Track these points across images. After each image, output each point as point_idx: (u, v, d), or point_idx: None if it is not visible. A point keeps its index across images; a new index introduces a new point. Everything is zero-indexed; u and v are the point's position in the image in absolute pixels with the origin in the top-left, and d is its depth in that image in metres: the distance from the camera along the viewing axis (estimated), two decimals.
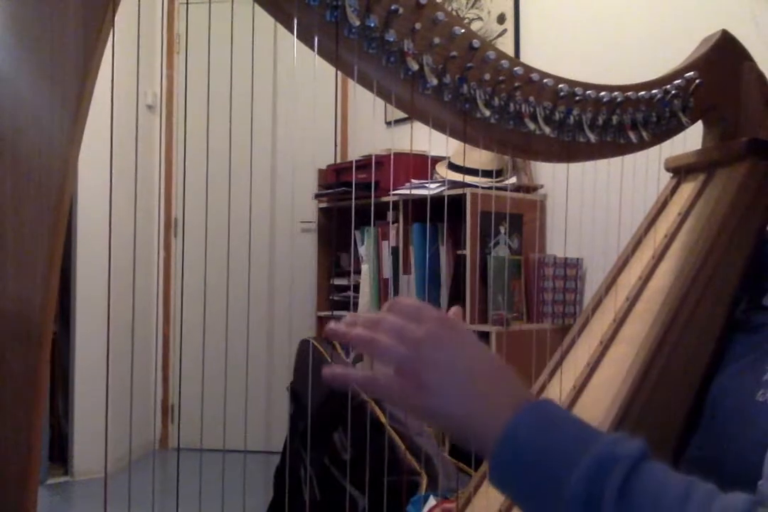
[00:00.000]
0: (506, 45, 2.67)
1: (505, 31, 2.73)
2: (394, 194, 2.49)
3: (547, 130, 0.75)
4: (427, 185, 2.39)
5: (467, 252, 2.26)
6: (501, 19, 2.75)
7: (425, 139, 0.83)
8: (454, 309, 0.58)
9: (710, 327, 0.76)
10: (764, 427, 0.57)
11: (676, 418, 0.70)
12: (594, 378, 0.80)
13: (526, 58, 2.64)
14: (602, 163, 0.87)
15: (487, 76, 0.71)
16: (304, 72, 0.83)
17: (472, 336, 0.53)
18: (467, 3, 2.89)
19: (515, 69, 0.72)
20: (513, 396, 0.49)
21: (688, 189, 0.92)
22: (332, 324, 0.52)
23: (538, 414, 0.48)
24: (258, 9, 0.62)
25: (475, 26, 2.80)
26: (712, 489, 0.45)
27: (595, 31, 2.40)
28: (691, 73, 0.83)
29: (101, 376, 2.83)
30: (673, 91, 0.82)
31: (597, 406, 0.74)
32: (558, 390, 0.81)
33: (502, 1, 2.74)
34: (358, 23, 0.63)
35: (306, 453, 1.82)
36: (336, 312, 2.91)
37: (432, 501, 1.25)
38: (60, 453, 3.08)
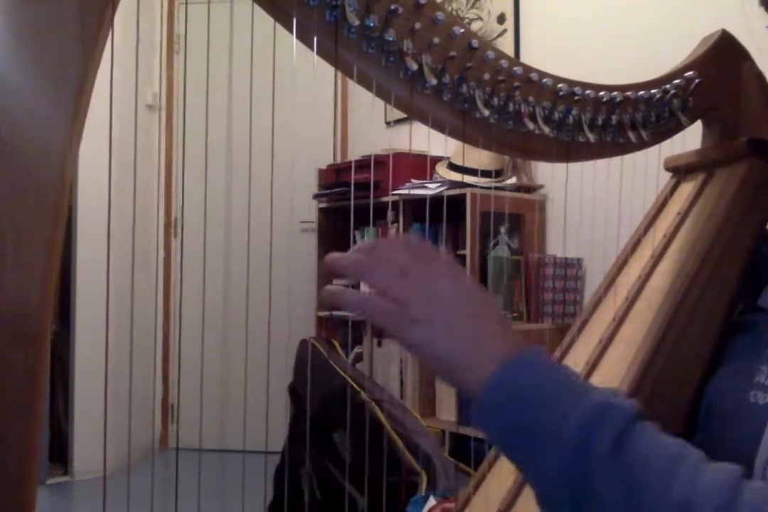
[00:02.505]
0: (506, 45, 2.68)
1: (505, 31, 2.73)
2: (393, 194, 2.49)
3: (546, 129, 0.75)
4: (426, 185, 2.40)
5: (467, 252, 2.26)
6: (501, 19, 2.75)
7: (425, 139, 0.83)
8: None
9: (709, 327, 0.76)
10: (756, 428, 0.57)
11: (675, 418, 0.70)
12: (593, 377, 0.80)
13: (526, 58, 2.64)
14: (602, 163, 0.87)
15: (487, 76, 0.71)
16: (303, 72, 0.83)
17: (467, 278, 0.52)
18: (467, 3, 2.89)
19: (514, 69, 0.72)
20: (505, 343, 0.48)
21: (687, 188, 0.92)
22: (334, 254, 0.50)
23: (530, 362, 0.47)
24: (257, 9, 0.62)
25: (475, 26, 2.80)
26: (702, 455, 0.44)
27: (595, 31, 2.40)
28: (691, 73, 0.83)
29: (101, 376, 2.83)
30: (672, 91, 0.82)
31: None
32: None
33: (502, 1, 2.74)
34: (357, 23, 0.63)
35: (306, 453, 1.82)
36: (336, 313, 2.91)
37: (432, 501, 1.25)
38: (60, 453, 3.08)
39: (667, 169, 0.96)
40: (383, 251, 0.50)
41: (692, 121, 0.86)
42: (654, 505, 0.41)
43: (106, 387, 0.69)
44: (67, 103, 0.53)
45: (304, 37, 0.63)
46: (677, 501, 0.41)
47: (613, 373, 0.76)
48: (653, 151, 0.87)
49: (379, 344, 2.71)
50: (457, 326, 0.48)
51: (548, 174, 2.47)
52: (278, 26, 0.63)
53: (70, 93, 0.53)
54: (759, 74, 0.87)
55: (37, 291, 0.52)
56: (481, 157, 2.40)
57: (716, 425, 0.65)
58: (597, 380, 0.79)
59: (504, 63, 0.71)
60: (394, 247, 0.51)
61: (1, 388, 0.51)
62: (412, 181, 2.49)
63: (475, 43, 0.69)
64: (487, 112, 0.72)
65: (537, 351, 0.48)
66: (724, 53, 0.86)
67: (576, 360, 0.84)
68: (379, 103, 0.71)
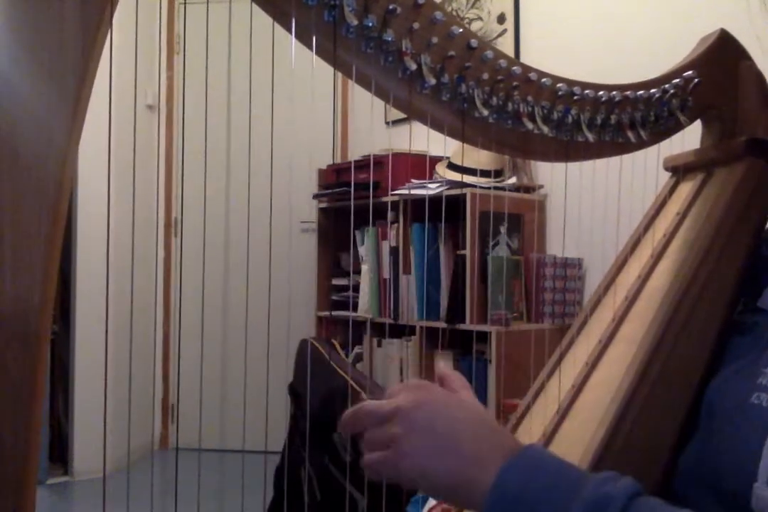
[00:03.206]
0: (506, 45, 2.68)
1: (505, 31, 2.73)
2: (393, 194, 2.49)
3: (545, 129, 0.75)
4: (426, 185, 2.40)
5: (467, 252, 2.26)
6: (501, 19, 2.75)
7: (424, 139, 0.83)
8: (443, 366, 0.60)
9: (709, 327, 0.76)
10: (759, 430, 0.57)
11: (675, 418, 0.70)
12: (593, 377, 0.80)
13: (526, 58, 2.64)
14: (601, 163, 0.87)
15: (486, 76, 0.71)
16: (303, 72, 0.83)
17: (449, 398, 0.54)
18: (467, 3, 2.89)
19: (513, 68, 0.72)
20: (498, 448, 0.50)
21: (686, 188, 0.92)
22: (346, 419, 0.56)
23: (524, 464, 0.48)
24: (256, 8, 0.62)
25: (475, 26, 2.80)
26: None
27: (595, 31, 2.40)
28: (690, 72, 0.83)
29: (101, 376, 2.83)
30: (671, 91, 0.82)
31: (596, 405, 0.74)
32: (557, 389, 0.81)
33: (502, 1, 2.74)
34: (355, 23, 0.63)
35: (306, 453, 1.82)
36: (336, 313, 2.91)
37: (432, 501, 1.25)
38: (60, 453, 3.08)
39: (666, 169, 0.96)
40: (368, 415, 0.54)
41: (691, 120, 0.86)
42: None
43: (106, 387, 0.69)
44: (67, 102, 0.53)
45: (303, 37, 0.63)
46: None
47: (613, 373, 0.76)
48: (652, 150, 0.87)
49: (379, 344, 2.71)
50: (452, 452, 0.50)
51: (548, 174, 2.47)
52: (277, 26, 0.63)
53: (70, 93, 0.53)
54: (758, 73, 0.87)
55: (37, 291, 0.52)
56: (480, 157, 2.40)
57: (717, 426, 0.65)
58: (597, 380, 0.79)
59: (503, 62, 0.71)
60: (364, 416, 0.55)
61: (1, 388, 0.51)
62: (412, 181, 2.49)
63: (473, 42, 0.69)
64: (486, 112, 0.72)
65: (528, 453, 0.49)
66: (723, 52, 0.86)
67: (576, 360, 0.84)
68: (379, 102, 0.71)
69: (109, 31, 0.54)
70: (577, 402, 0.79)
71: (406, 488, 0.52)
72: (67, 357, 3.09)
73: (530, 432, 0.78)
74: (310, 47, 0.63)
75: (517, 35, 2.69)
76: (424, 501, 1.32)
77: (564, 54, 2.41)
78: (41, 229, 0.52)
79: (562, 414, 0.78)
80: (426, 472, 0.50)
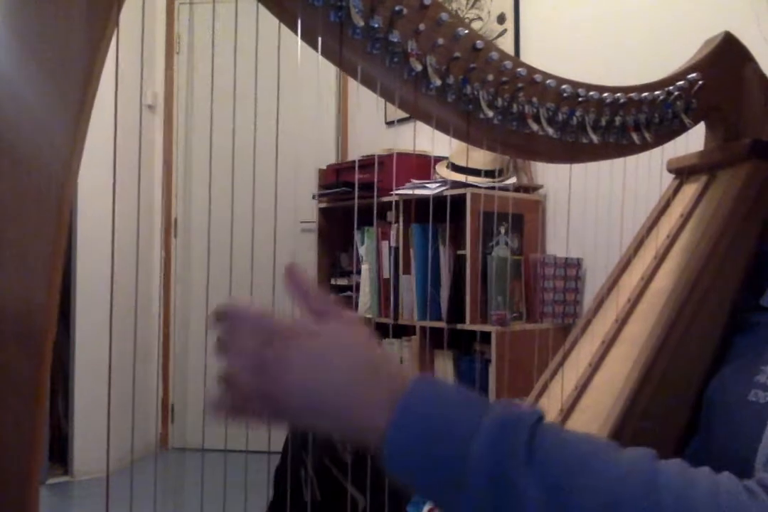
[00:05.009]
0: (506, 45, 2.67)
1: (505, 31, 2.73)
2: (395, 194, 2.49)
3: (550, 130, 0.75)
4: (427, 185, 2.39)
5: (467, 252, 2.26)
6: (501, 19, 2.75)
7: (427, 139, 0.83)
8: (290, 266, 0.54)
9: (712, 328, 0.76)
10: (756, 427, 0.57)
11: (677, 418, 0.70)
12: (596, 378, 0.80)
13: (526, 58, 2.64)
14: (604, 164, 0.87)
15: (491, 77, 0.71)
16: (305, 72, 0.83)
17: (328, 337, 0.49)
18: (467, 3, 2.89)
19: (518, 70, 0.72)
20: (393, 381, 0.47)
21: (690, 190, 0.92)
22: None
23: (424, 392, 0.46)
24: (261, 9, 0.62)
25: (475, 26, 2.80)
26: (613, 444, 0.44)
27: (596, 31, 2.40)
28: (694, 74, 0.83)
29: (101, 376, 2.83)
30: (675, 93, 0.82)
31: (599, 406, 0.74)
32: (560, 390, 0.81)
33: (502, 1, 2.74)
34: (362, 24, 0.62)
35: (306, 453, 1.82)
36: None
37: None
38: (60, 453, 3.08)
39: (670, 171, 0.96)
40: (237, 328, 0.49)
41: (695, 122, 0.86)
42: (577, 497, 0.40)
43: (110, 387, 0.69)
44: (71, 104, 0.53)
45: (309, 38, 0.63)
46: (602, 494, 0.40)
47: (617, 374, 0.76)
48: (656, 152, 0.87)
49: (379, 344, 2.70)
50: (325, 396, 0.46)
51: (549, 174, 2.47)
52: (282, 26, 0.63)
53: (75, 93, 0.53)
54: (762, 76, 0.87)
55: (41, 291, 0.52)
56: (481, 157, 2.40)
57: (716, 423, 0.66)
58: (601, 380, 0.79)
59: (508, 64, 0.71)
60: (238, 339, 0.49)
61: (3, 388, 0.51)
62: (413, 181, 2.49)
63: (479, 44, 0.69)
64: (491, 113, 0.72)
65: (422, 383, 0.46)
66: (727, 55, 0.86)
67: (579, 361, 0.84)
68: (380, 102, 0.71)
69: (115, 32, 0.53)
70: (581, 402, 0.79)
71: (277, 423, 0.48)
72: (67, 357, 3.08)
73: None
74: (315, 48, 0.63)
75: (517, 35, 2.68)
76: (425, 501, 1.32)
77: (564, 54, 2.41)
78: (44, 229, 0.52)
79: (566, 414, 0.78)
80: (313, 428, 0.47)
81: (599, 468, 0.42)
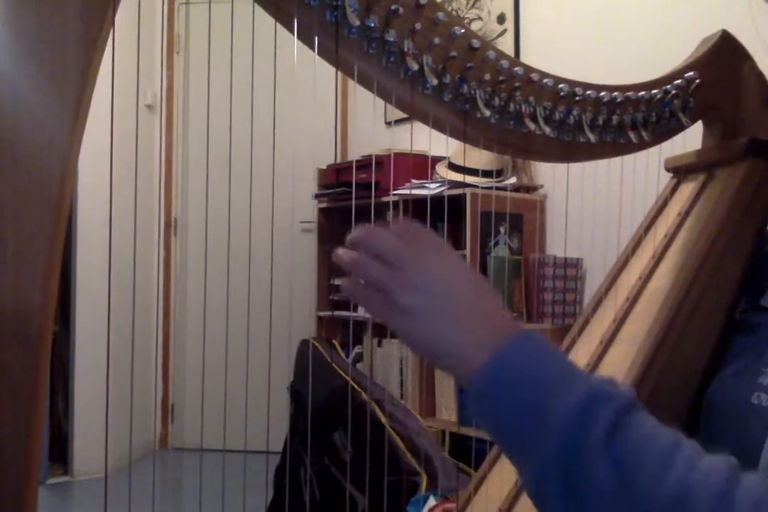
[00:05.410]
0: (506, 45, 2.67)
1: (505, 31, 2.73)
2: (394, 194, 2.49)
3: (547, 130, 0.75)
4: (426, 185, 2.39)
5: (467, 252, 2.26)
6: (501, 19, 2.75)
7: (425, 139, 0.83)
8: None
9: (710, 326, 0.76)
10: (759, 429, 0.57)
11: (676, 418, 0.70)
12: None
13: (526, 57, 2.64)
14: (602, 163, 0.87)
15: (487, 76, 0.71)
16: (304, 72, 0.83)
17: (457, 259, 0.51)
18: (467, 3, 2.89)
19: (515, 69, 0.72)
20: (493, 328, 0.48)
21: (688, 189, 0.92)
22: (340, 250, 0.51)
23: (527, 344, 0.46)
24: (258, 9, 0.62)
25: (475, 26, 2.80)
26: (697, 447, 0.44)
27: (595, 31, 2.40)
28: (691, 73, 0.83)
29: (101, 376, 2.83)
30: (673, 91, 0.82)
31: None
32: None
33: (502, 1, 2.74)
34: (358, 23, 0.63)
35: (306, 453, 1.82)
36: (336, 312, 2.91)
37: (432, 501, 1.25)
38: (60, 453, 3.08)
39: (668, 170, 0.96)
40: (371, 244, 0.50)
41: (693, 121, 0.86)
42: (646, 494, 0.40)
43: (108, 386, 0.69)
44: (69, 103, 0.53)
45: (305, 38, 0.63)
46: (672, 490, 0.40)
47: (614, 374, 0.76)
48: (654, 151, 0.87)
49: (379, 344, 2.70)
50: (442, 314, 0.48)
51: (548, 174, 2.47)
52: (279, 26, 0.63)
53: (72, 92, 0.53)
54: (759, 74, 0.87)
55: (39, 291, 0.52)
56: (481, 157, 2.40)
57: (718, 425, 0.65)
58: None
59: (505, 63, 0.71)
60: (381, 238, 0.50)
61: (2, 388, 0.51)
62: (412, 181, 2.49)
63: (475, 43, 0.69)
64: (488, 113, 0.72)
65: (528, 336, 0.47)
66: (724, 54, 0.86)
67: (577, 360, 0.84)
68: (380, 102, 0.71)
69: (111, 31, 0.54)
70: None
71: (393, 334, 0.49)
72: (67, 357, 3.09)
73: None
74: (312, 47, 0.63)
75: (517, 35, 2.68)
76: (425, 500, 1.32)
77: (564, 54, 2.41)
78: (43, 229, 0.52)
79: None
80: (418, 334, 0.48)
81: (676, 466, 0.41)
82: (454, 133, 0.73)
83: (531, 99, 0.74)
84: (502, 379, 0.45)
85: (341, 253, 0.51)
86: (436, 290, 0.48)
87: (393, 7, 0.64)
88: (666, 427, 0.45)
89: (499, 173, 2.46)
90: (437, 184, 2.36)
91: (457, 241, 2.42)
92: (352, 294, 0.50)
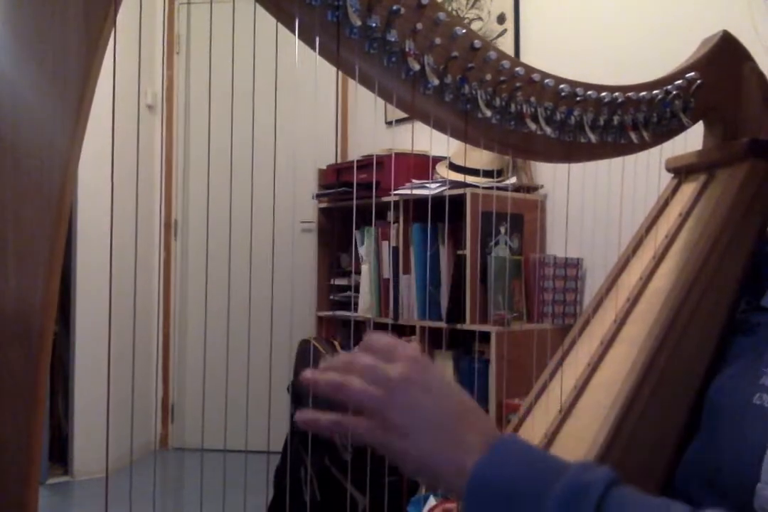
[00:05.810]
0: (506, 45, 2.67)
1: (505, 31, 2.73)
2: (394, 194, 2.49)
3: (548, 130, 0.75)
4: (427, 185, 2.39)
5: (467, 252, 2.26)
6: (501, 19, 2.75)
7: (426, 139, 0.83)
8: (414, 344, 0.56)
9: (711, 328, 0.76)
10: (761, 430, 0.57)
11: (677, 419, 0.70)
12: (594, 378, 0.80)
13: (526, 57, 2.64)
14: (603, 164, 0.87)
15: (489, 77, 0.71)
16: (304, 72, 0.83)
17: (442, 376, 0.53)
18: (467, 3, 2.89)
19: (516, 69, 0.72)
20: (481, 435, 0.50)
21: (688, 189, 0.92)
22: (307, 373, 0.52)
23: (504, 452, 0.49)
24: (259, 9, 0.62)
25: (475, 26, 2.80)
26: (688, 509, 0.45)
27: (595, 31, 2.40)
28: (692, 74, 0.83)
29: (101, 377, 2.83)
30: (674, 92, 0.82)
31: (597, 406, 0.74)
32: (558, 390, 0.81)
33: (502, 1, 2.74)
34: (359, 23, 0.63)
35: (306, 453, 1.82)
36: (336, 312, 2.91)
37: (432, 501, 1.25)
38: (60, 453, 3.08)
39: (669, 170, 0.96)
40: (353, 365, 0.51)
41: (694, 121, 0.86)
42: None
43: (109, 386, 0.69)
44: (70, 104, 0.53)
45: (306, 38, 0.63)
46: None
47: (615, 374, 0.76)
48: (654, 151, 0.87)
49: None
50: (436, 434, 0.50)
51: (549, 174, 2.47)
52: (280, 26, 0.63)
53: (73, 93, 0.53)
54: (760, 74, 0.87)
55: (40, 291, 0.52)
56: (481, 157, 2.40)
57: (719, 426, 0.65)
58: (599, 381, 0.79)
59: (506, 63, 0.71)
60: (361, 358, 0.51)
61: (2, 388, 0.51)
62: (413, 181, 2.49)
63: (477, 43, 0.69)
64: (489, 113, 0.72)
65: (507, 442, 0.50)
66: (725, 54, 0.86)
67: (577, 361, 0.84)
68: (380, 102, 0.71)
69: (113, 32, 0.54)
70: (580, 403, 0.79)
71: (389, 460, 0.51)
72: (67, 357, 3.09)
73: (532, 431, 0.78)
74: (313, 47, 0.63)
75: (517, 35, 2.68)
76: (425, 500, 1.32)
77: (564, 54, 2.41)
78: (44, 229, 0.52)
79: (564, 414, 0.78)
80: (410, 452, 0.49)
81: None
82: (454, 133, 0.73)
83: (532, 99, 0.74)
84: (486, 490, 0.47)
85: (311, 377, 0.51)
86: (427, 408, 0.50)
87: (394, 8, 0.64)
88: (650, 497, 0.46)
89: (500, 173, 2.46)
90: (438, 184, 2.36)
91: (457, 240, 2.42)
92: (335, 426, 0.51)
